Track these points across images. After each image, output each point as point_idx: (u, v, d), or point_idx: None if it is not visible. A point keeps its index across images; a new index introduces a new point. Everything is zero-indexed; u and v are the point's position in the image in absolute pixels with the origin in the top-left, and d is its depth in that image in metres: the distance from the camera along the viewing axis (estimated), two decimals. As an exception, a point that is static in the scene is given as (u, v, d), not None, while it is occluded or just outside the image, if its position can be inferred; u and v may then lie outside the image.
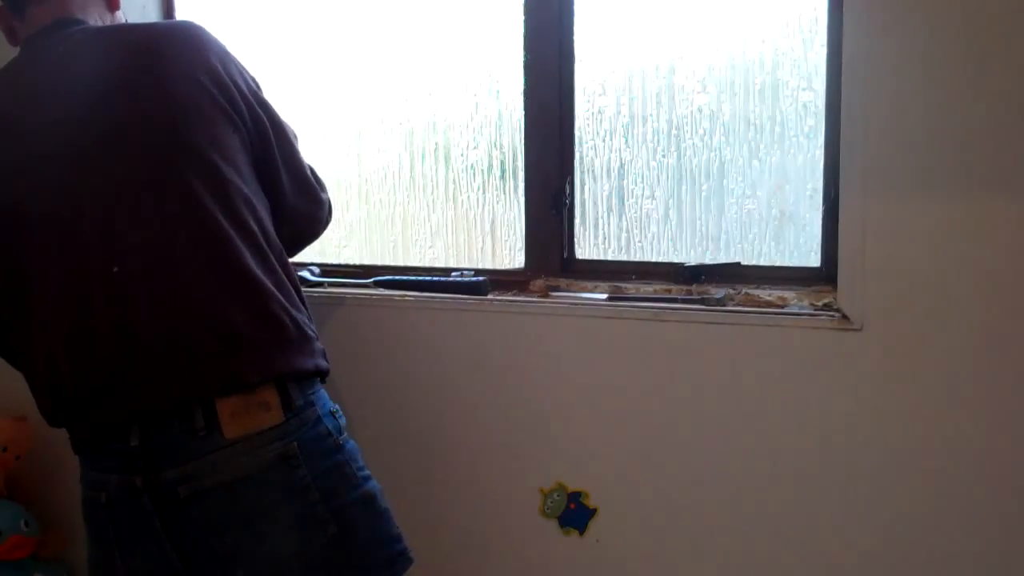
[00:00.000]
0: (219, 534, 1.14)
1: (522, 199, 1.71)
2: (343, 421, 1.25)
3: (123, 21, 1.38)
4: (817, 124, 1.51)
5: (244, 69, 1.28)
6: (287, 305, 1.20)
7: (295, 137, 1.37)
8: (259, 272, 1.18)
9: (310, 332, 1.23)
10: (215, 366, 1.14)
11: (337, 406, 1.26)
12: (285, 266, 1.24)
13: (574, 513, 1.59)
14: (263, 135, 1.26)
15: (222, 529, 1.14)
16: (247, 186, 1.21)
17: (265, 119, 1.27)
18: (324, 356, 1.26)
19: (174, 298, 1.14)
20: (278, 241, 1.25)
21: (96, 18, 1.30)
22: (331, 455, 1.19)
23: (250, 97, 1.25)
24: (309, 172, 1.39)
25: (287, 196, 1.31)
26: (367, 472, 1.24)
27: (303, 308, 1.25)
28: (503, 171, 1.75)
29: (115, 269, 1.14)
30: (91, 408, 1.17)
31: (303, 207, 1.36)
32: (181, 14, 1.96)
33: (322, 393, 1.24)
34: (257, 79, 1.31)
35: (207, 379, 1.13)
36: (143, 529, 1.15)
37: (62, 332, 1.16)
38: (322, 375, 1.25)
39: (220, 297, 1.15)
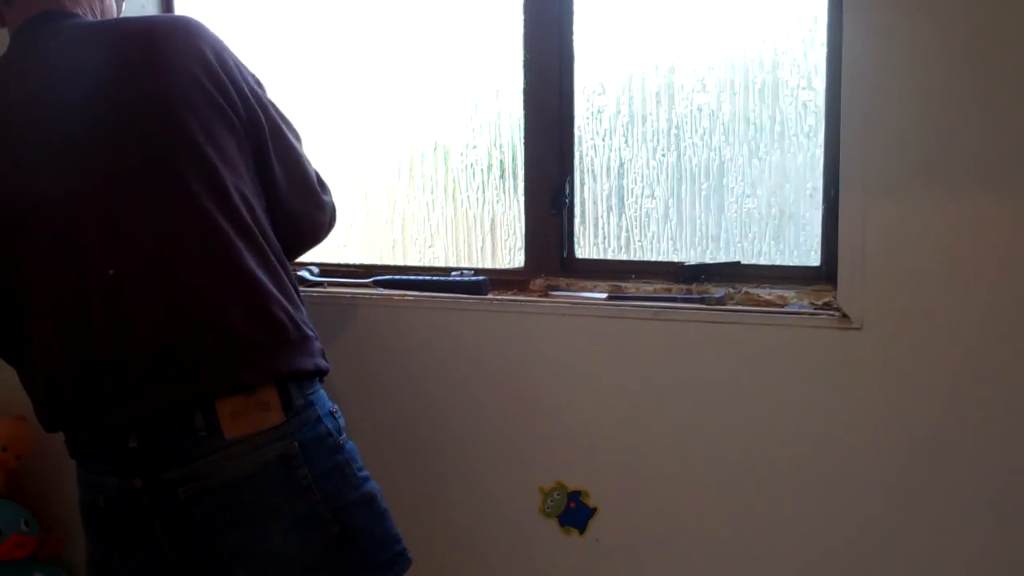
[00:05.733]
0: (219, 535, 1.13)
1: (522, 198, 1.71)
2: (342, 421, 1.24)
3: (113, 8, 1.35)
4: (817, 123, 1.51)
5: (242, 65, 1.26)
6: (287, 305, 1.19)
7: (298, 138, 1.34)
8: (258, 271, 1.17)
9: (309, 332, 1.22)
10: (214, 368, 1.13)
11: (336, 406, 1.25)
12: (284, 265, 1.23)
13: (574, 512, 1.59)
14: (258, 132, 1.24)
15: (222, 529, 1.13)
16: (245, 184, 1.20)
17: (261, 116, 1.24)
18: (323, 355, 1.25)
19: (172, 300, 1.13)
20: (276, 240, 1.25)
21: (86, 9, 1.28)
22: (332, 455, 1.19)
23: (246, 93, 1.23)
24: (312, 175, 1.37)
25: (283, 196, 1.29)
26: (366, 473, 1.24)
27: (302, 307, 1.25)
28: (503, 170, 1.75)
29: (111, 272, 1.13)
30: (89, 412, 1.16)
31: (302, 209, 1.34)
32: (180, 12, 1.96)
33: (321, 393, 1.23)
34: (258, 76, 1.29)
35: (206, 381, 1.12)
36: (143, 530, 1.15)
37: (60, 335, 1.16)
38: (321, 375, 1.24)
39: (219, 298, 1.14)
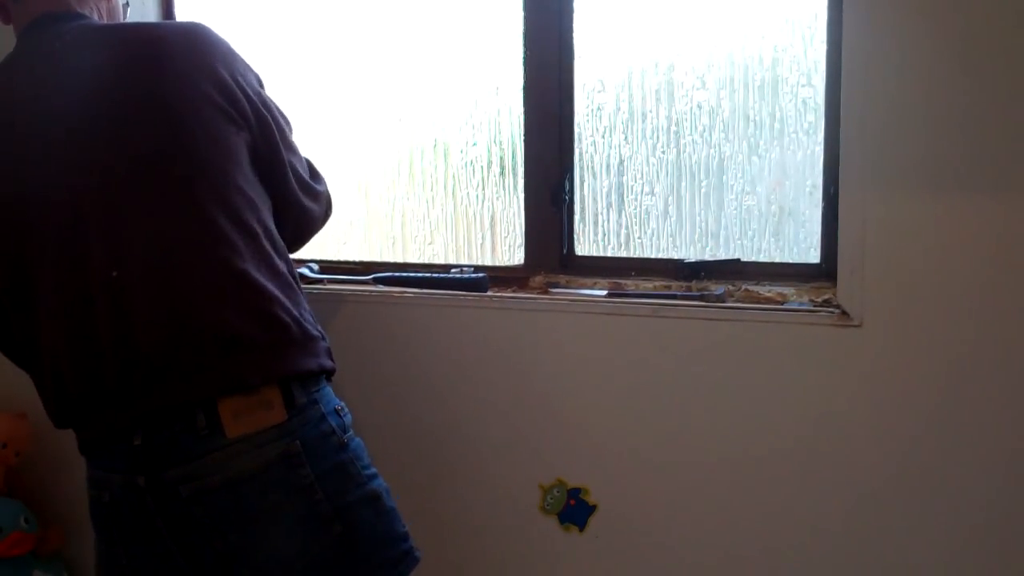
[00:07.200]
0: (222, 534, 1.13)
1: (521, 195, 1.71)
2: (348, 419, 1.24)
3: (119, 8, 1.35)
4: (817, 120, 1.51)
5: (249, 68, 1.27)
6: (290, 306, 1.18)
7: (292, 131, 1.35)
8: (260, 274, 1.17)
9: (314, 332, 1.22)
10: (217, 369, 1.13)
11: (342, 403, 1.25)
12: (289, 265, 1.24)
13: (574, 509, 1.59)
14: (268, 135, 1.25)
15: (225, 528, 1.13)
16: (250, 186, 1.20)
17: (270, 120, 1.25)
18: (329, 355, 1.24)
19: (174, 303, 1.13)
20: (282, 241, 1.25)
21: (93, 9, 1.28)
22: (335, 454, 1.18)
23: (255, 98, 1.23)
24: (306, 165, 1.39)
25: (289, 192, 1.30)
26: (373, 470, 1.23)
27: (307, 307, 1.25)
28: (503, 167, 1.75)
29: (114, 274, 1.13)
30: (94, 411, 1.16)
31: (303, 203, 1.35)
32: (181, 12, 1.96)
33: (327, 391, 1.23)
34: (260, 76, 1.30)
35: (209, 382, 1.13)
36: (146, 528, 1.15)
37: (66, 335, 1.16)
38: (327, 374, 1.24)
39: (220, 301, 1.14)
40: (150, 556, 1.16)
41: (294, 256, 1.37)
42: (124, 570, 1.19)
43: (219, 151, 1.17)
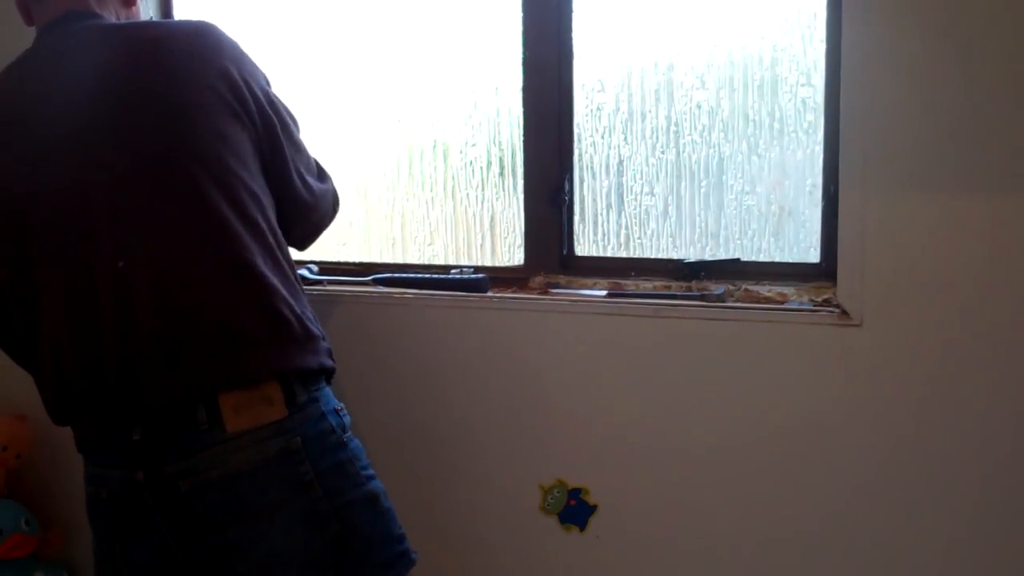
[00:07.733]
0: (220, 528, 1.14)
1: (521, 196, 1.71)
2: (348, 419, 1.25)
3: (139, 16, 1.37)
4: (816, 120, 1.51)
5: (256, 66, 1.28)
6: (293, 303, 1.19)
7: (298, 128, 1.36)
8: (266, 269, 1.18)
9: (316, 331, 1.23)
10: (218, 363, 1.14)
11: (342, 404, 1.25)
12: (291, 263, 1.25)
13: (574, 510, 1.59)
14: (272, 134, 1.26)
15: (223, 523, 1.14)
16: (255, 183, 1.21)
17: (274, 118, 1.26)
18: (330, 355, 1.25)
19: (179, 295, 1.14)
20: (290, 240, 1.26)
21: (112, 12, 1.29)
22: (334, 452, 1.19)
23: (261, 97, 1.24)
24: (313, 164, 1.40)
25: (295, 190, 1.31)
26: (371, 471, 1.24)
27: (308, 307, 1.25)
28: (502, 168, 1.75)
29: (121, 264, 1.14)
30: (95, 404, 1.17)
31: (311, 200, 1.36)
32: (180, 13, 1.96)
33: (327, 391, 1.24)
34: (267, 75, 1.30)
35: (210, 375, 1.13)
36: (144, 523, 1.15)
37: (69, 326, 1.16)
38: (327, 374, 1.25)
39: (225, 294, 1.15)
40: (147, 551, 1.16)
41: (296, 257, 1.38)
42: (121, 567, 1.19)
43: (225, 147, 1.18)
